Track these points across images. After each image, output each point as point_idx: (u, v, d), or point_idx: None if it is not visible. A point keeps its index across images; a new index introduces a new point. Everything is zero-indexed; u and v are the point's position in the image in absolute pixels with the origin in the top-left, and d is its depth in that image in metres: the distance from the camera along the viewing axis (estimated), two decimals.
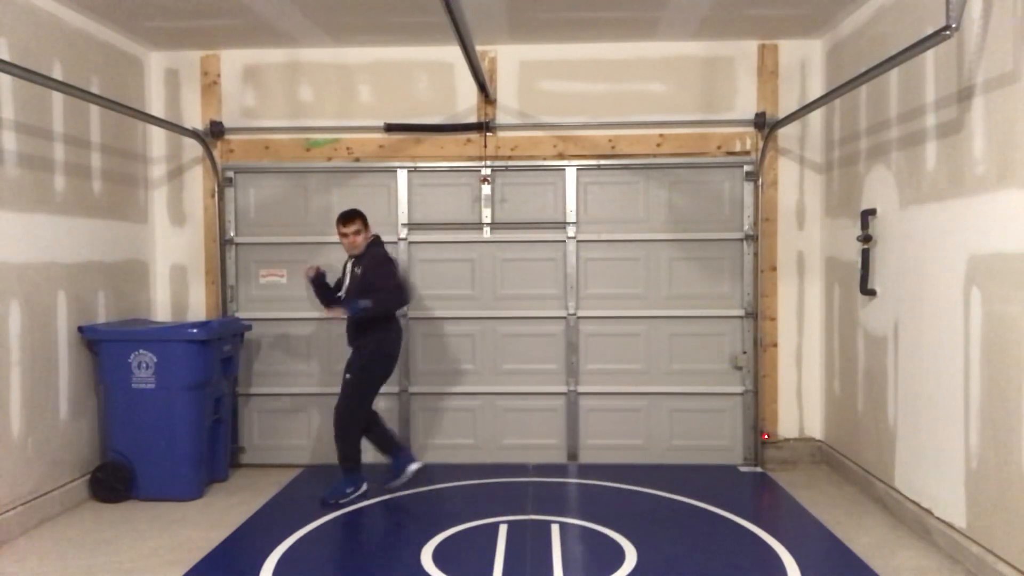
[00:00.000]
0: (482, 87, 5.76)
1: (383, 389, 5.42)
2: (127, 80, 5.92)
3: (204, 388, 5.36)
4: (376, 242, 5.38)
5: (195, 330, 5.24)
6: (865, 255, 5.18)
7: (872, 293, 5.12)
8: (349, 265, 5.39)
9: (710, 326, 6.14)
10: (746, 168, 6.08)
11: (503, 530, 4.61)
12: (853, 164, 5.46)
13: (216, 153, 6.18)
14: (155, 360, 5.23)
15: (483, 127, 6.09)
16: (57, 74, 5.07)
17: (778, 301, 6.14)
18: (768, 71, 6.04)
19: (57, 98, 5.07)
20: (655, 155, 6.10)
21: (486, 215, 6.15)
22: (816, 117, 6.04)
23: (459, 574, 4.00)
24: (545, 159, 6.14)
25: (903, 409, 4.77)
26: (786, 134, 6.08)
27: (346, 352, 5.21)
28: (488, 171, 6.13)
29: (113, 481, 5.26)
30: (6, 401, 4.60)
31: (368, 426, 5.34)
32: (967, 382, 4.04)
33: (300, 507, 5.11)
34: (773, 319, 6.13)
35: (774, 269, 6.11)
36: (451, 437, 6.20)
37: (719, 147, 6.09)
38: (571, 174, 6.13)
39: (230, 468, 5.92)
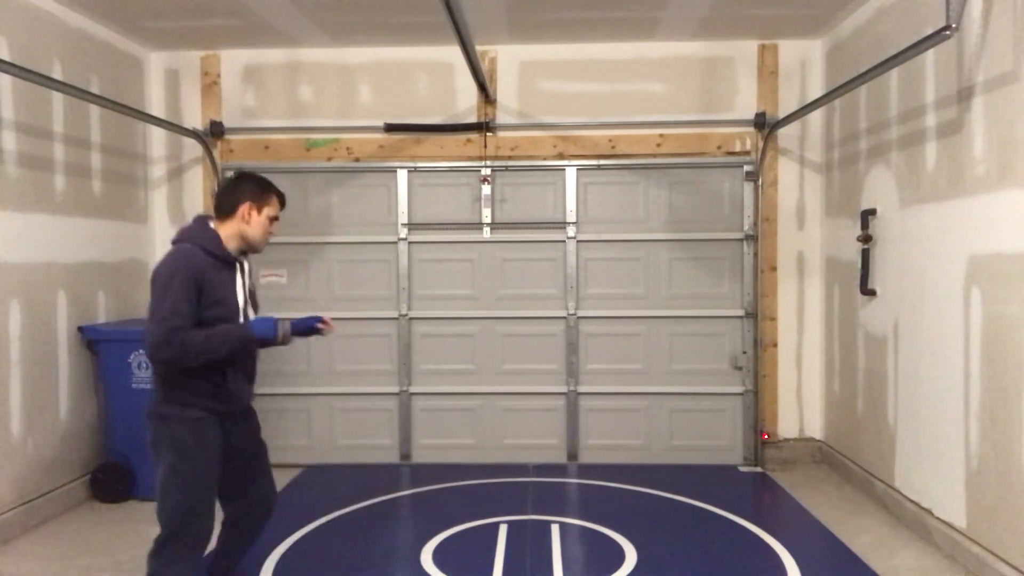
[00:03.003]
0: (482, 87, 5.76)
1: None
2: (127, 80, 5.92)
3: None
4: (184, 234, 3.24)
5: None
6: (865, 255, 5.17)
7: (872, 293, 5.12)
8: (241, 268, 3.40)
9: (710, 326, 6.14)
10: (746, 168, 6.07)
11: (503, 530, 4.61)
12: (853, 164, 5.46)
13: (216, 153, 6.18)
14: None
15: (483, 127, 6.09)
16: (57, 74, 5.07)
17: (778, 301, 6.14)
18: (768, 71, 6.03)
19: (57, 98, 5.06)
20: (655, 155, 6.10)
21: (486, 215, 6.15)
22: (816, 117, 6.03)
23: (459, 574, 4.01)
24: (545, 159, 6.14)
25: (903, 409, 4.77)
26: (786, 134, 6.08)
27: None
28: (488, 171, 6.13)
29: (113, 481, 5.26)
30: (6, 401, 4.60)
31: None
32: (967, 382, 4.04)
33: (300, 507, 5.10)
34: (773, 319, 6.12)
35: (774, 269, 6.11)
36: (451, 437, 6.19)
37: (719, 147, 6.09)
38: (571, 174, 6.13)
39: None
